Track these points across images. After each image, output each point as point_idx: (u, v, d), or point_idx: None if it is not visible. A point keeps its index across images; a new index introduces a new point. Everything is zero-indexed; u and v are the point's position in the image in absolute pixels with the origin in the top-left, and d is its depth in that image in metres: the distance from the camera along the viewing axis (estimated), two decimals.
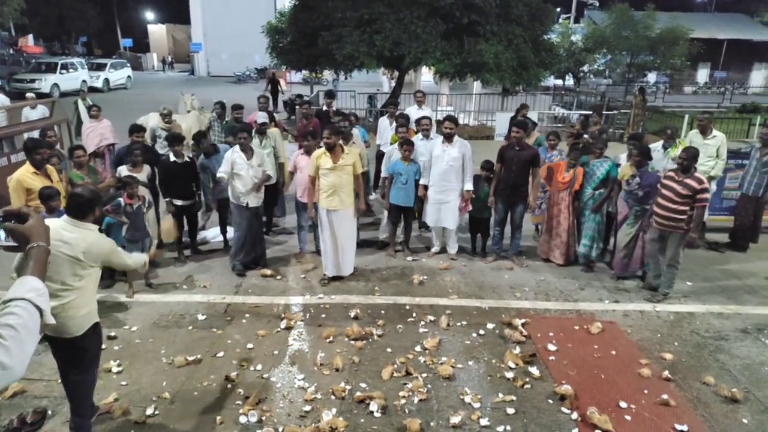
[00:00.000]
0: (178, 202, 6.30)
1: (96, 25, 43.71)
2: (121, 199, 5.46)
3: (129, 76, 28.98)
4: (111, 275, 5.73)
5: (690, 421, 3.86)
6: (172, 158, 6.24)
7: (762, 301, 5.90)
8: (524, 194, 6.40)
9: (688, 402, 4.11)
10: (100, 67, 27.23)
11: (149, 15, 51.44)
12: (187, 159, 6.36)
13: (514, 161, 6.28)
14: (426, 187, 6.56)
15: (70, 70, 24.36)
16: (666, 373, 4.41)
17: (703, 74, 38.10)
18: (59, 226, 3.13)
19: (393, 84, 20.47)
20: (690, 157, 5.41)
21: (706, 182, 5.39)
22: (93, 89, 24.99)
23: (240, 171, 5.95)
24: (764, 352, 4.85)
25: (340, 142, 5.95)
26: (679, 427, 3.79)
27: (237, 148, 6.02)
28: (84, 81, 24.58)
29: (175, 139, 6.33)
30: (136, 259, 3.60)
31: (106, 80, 26.64)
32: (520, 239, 6.72)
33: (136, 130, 6.61)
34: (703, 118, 7.33)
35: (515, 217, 6.52)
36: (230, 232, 6.98)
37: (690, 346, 4.94)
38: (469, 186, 6.50)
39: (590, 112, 9.83)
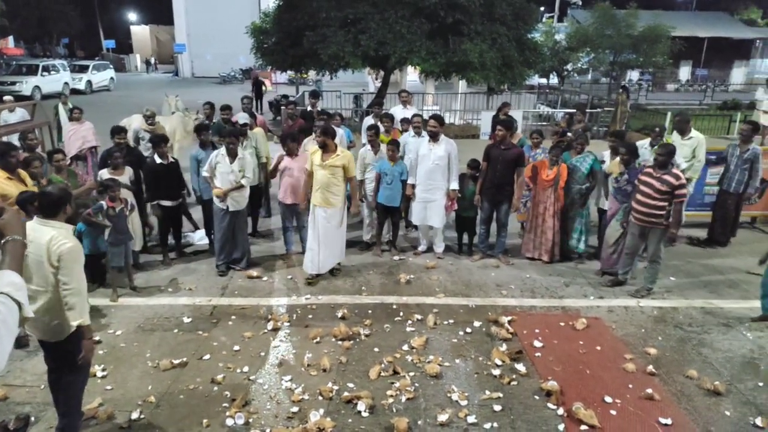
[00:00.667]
0: (166, 203, 6.29)
1: (78, 27, 43.16)
2: (103, 203, 5.40)
3: (112, 78, 28.74)
4: (93, 279, 5.65)
5: (674, 415, 3.91)
6: (158, 160, 6.21)
7: (743, 294, 5.98)
8: (509, 193, 6.43)
9: (672, 396, 4.16)
10: (83, 69, 26.94)
11: (132, 16, 50.98)
12: (171, 160, 6.33)
13: (500, 160, 6.31)
14: (413, 186, 6.58)
15: (52, 72, 24.07)
16: (650, 367, 4.46)
17: (685, 72, 38.55)
18: (28, 227, 3.08)
19: (378, 84, 20.47)
20: (667, 153, 5.48)
21: (683, 178, 5.47)
22: (75, 91, 24.73)
23: (221, 173, 6.00)
24: (746, 345, 4.93)
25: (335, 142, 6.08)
26: (663, 420, 3.84)
27: (223, 150, 6.03)
28: (66, 83, 24.30)
29: (159, 141, 6.30)
30: (84, 303, 3.20)
31: (89, 82, 26.36)
32: (506, 237, 6.76)
33: (118, 131, 6.55)
34: (679, 119, 7.31)
35: (501, 216, 6.55)
36: None
37: (674, 340, 5.00)
38: (455, 185, 6.52)
39: (574, 111, 9.91)
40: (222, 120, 7.84)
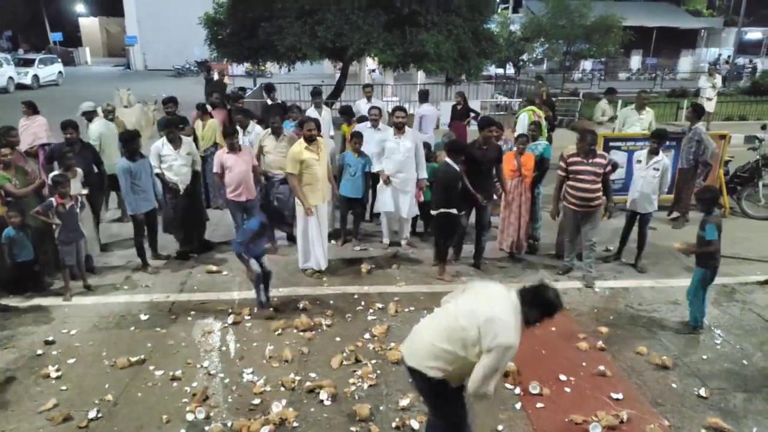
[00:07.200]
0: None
1: (22, 19, 41.17)
2: (52, 200, 5.21)
3: (60, 72, 27.59)
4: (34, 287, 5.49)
5: (625, 390, 4.09)
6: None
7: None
8: (490, 193, 6.21)
9: (623, 372, 4.35)
10: (28, 63, 25.76)
11: (80, 7, 48.95)
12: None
13: (483, 161, 6.05)
14: (387, 176, 6.47)
15: None
16: (600, 343, 4.65)
17: (636, 61, 39.65)
18: None
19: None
20: (593, 141, 5.80)
21: (606, 155, 5.93)
22: (21, 86, 23.71)
23: (168, 162, 6.10)
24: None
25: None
26: (614, 395, 4.01)
27: (165, 139, 6.11)
28: (10, 78, 23.26)
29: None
30: None
31: (36, 77, 25.18)
32: (487, 241, 6.40)
33: (67, 126, 6.27)
34: (640, 96, 8.96)
35: (481, 217, 6.21)
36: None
37: (625, 319, 5.20)
38: (423, 173, 6.56)
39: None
40: (166, 114, 7.64)
